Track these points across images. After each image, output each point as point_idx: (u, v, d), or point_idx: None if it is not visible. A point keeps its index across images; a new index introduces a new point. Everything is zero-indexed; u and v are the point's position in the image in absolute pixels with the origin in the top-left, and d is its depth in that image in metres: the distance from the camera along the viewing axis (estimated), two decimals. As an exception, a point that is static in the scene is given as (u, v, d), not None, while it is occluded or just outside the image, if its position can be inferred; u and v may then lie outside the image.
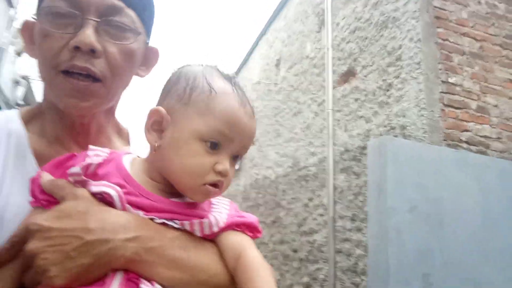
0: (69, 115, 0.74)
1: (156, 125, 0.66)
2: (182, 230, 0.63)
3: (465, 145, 3.61)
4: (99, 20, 0.70)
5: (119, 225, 0.58)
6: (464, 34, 3.98)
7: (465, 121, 3.71)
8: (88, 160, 0.64)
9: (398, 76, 3.96)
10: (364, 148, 4.11)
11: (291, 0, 7.11)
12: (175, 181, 0.65)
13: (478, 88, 3.87)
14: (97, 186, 0.61)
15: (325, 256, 4.54)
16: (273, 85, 7.20)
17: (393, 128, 3.90)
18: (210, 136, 0.64)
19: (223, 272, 0.63)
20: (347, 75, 4.89)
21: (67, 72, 0.68)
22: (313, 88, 5.62)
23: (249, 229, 0.67)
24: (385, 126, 4.03)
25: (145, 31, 0.79)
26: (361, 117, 4.44)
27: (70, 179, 0.63)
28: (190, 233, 0.63)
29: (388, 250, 2.73)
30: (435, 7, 3.92)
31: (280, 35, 7.36)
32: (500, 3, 4.27)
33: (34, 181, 0.65)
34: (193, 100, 0.65)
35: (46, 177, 0.64)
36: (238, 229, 0.66)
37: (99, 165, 0.65)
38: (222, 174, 0.64)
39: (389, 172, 2.86)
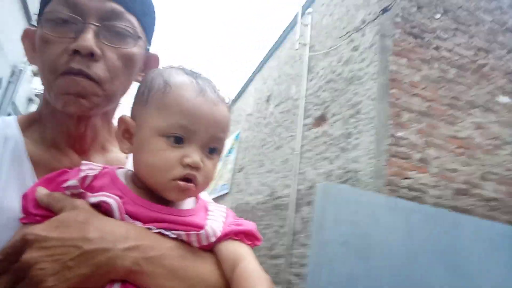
0: (66, 118, 0.75)
1: (127, 133, 0.67)
2: (179, 240, 0.62)
3: (405, 190, 4.24)
4: (99, 24, 0.70)
5: (119, 235, 0.57)
6: (415, 95, 4.65)
7: (408, 170, 4.35)
8: (82, 174, 0.64)
9: (356, 127, 4.64)
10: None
11: (284, 42, 7.88)
12: (146, 182, 0.65)
13: (422, 142, 4.53)
14: (96, 197, 0.60)
15: (287, 279, 5.14)
16: (263, 118, 7.91)
17: (348, 171, 4.55)
18: (170, 131, 0.63)
19: (221, 282, 0.62)
20: (320, 120, 5.58)
21: (64, 73, 0.69)
22: (293, 126, 6.30)
23: (247, 237, 0.66)
24: (343, 169, 4.68)
25: (146, 36, 0.79)
26: (326, 158, 5.11)
27: (67, 192, 0.62)
28: (188, 243, 0.62)
29: (322, 276, 3.35)
30: (391, 70, 4.61)
31: (273, 73, 8.11)
32: (451, 68, 4.96)
33: (27, 197, 0.63)
34: (151, 99, 0.65)
35: (42, 191, 0.63)
36: (236, 238, 0.65)
37: (95, 177, 0.64)
38: (191, 166, 0.63)
39: (328, 211, 3.50)
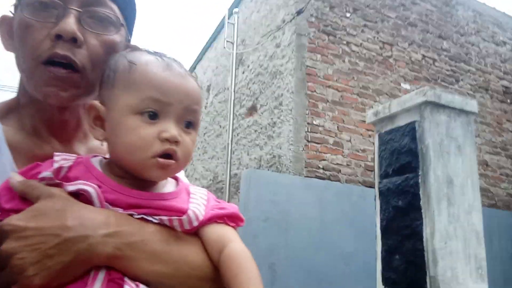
0: (47, 107, 0.72)
1: (98, 119, 0.65)
2: (162, 224, 0.61)
3: (322, 171, 4.95)
4: (81, 10, 0.69)
5: (99, 221, 0.55)
6: (329, 87, 5.35)
7: (324, 153, 5.06)
8: (56, 165, 0.62)
9: (279, 117, 5.27)
10: (257, 168, 5.39)
11: (220, 34, 8.33)
12: (125, 164, 0.63)
13: (336, 128, 5.25)
14: (74, 185, 0.59)
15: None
16: (204, 107, 8.40)
17: (274, 156, 5.20)
18: (143, 107, 0.61)
19: (206, 264, 0.62)
20: (252, 110, 6.17)
21: (47, 63, 0.66)
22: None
23: (230, 219, 0.66)
24: (270, 154, 5.33)
25: (127, 27, 0.78)
26: (257, 145, 5.73)
27: (43, 183, 0.60)
28: (170, 227, 0.61)
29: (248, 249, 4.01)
30: (307, 66, 5.25)
31: (211, 64, 8.56)
32: (360, 61, 5.68)
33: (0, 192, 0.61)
34: (117, 80, 0.64)
35: (18, 178, 0.61)
36: (220, 221, 0.64)
37: (69, 168, 0.62)
38: (169, 141, 0.61)
39: (252, 193, 4.13)
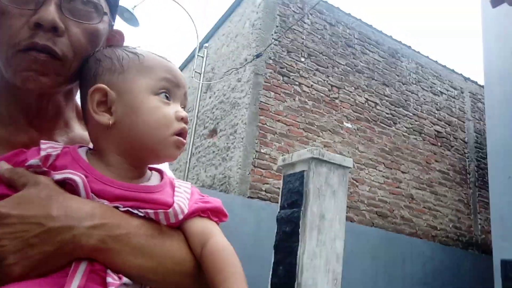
0: (25, 94, 0.69)
1: (102, 105, 0.64)
2: (147, 218, 0.60)
3: (264, 193, 5.77)
4: None
5: (84, 212, 0.55)
6: (278, 121, 6.20)
7: (267, 177, 5.89)
8: (43, 153, 0.61)
9: (233, 143, 6.09)
10: (210, 186, 6.16)
11: (194, 59, 9.14)
12: (145, 144, 0.63)
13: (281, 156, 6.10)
14: (61, 174, 0.58)
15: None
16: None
17: (225, 177, 6.00)
18: (160, 87, 0.65)
19: (190, 258, 0.62)
20: (213, 132, 6.97)
21: (26, 50, 0.63)
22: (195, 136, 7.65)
23: (214, 213, 0.66)
24: (223, 175, 6.12)
25: (110, 12, 0.74)
26: (213, 164, 6.52)
27: (30, 170, 0.59)
28: (155, 221, 0.61)
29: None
30: (261, 101, 6.10)
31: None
32: (309, 100, 6.57)
33: None
34: (127, 66, 0.65)
35: (4, 165, 0.60)
36: (203, 215, 0.65)
37: (57, 157, 0.62)
38: (184, 120, 0.65)
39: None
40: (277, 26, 6.55)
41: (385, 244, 6.19)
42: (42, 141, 0.64)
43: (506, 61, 4.78)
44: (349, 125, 6.84)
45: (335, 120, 6.75)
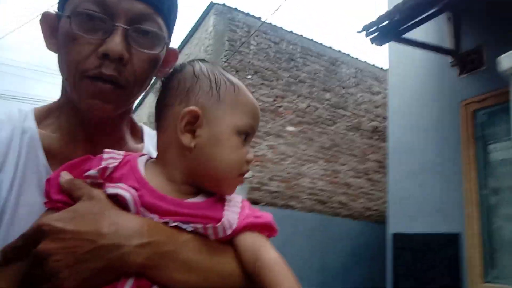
0: (88, 115, 0.74)
1: (189, 125, 0.66)
2: (196, 233, 0.62)
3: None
4: (128, 27, 0.70)
5: (133, 230, 0.57)
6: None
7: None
8: (104, 164, 0.64)
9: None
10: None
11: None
12: (214, 176, 0.66)
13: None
14: (113, 189, 0.61)
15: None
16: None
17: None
18: (245, 129, 0.68)
19: (238, 274, 0.63)
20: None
21: (93, 78, 0.69)
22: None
23: (265, 228, 0.67)
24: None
25: (169, 35, 0.79)
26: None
27: (88, 181, 0.63)
28: (204, 236, 0.63)
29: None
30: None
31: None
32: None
33: (51, 182, 0.64)
34: (223, 96, 0.67)
35: (66, 176, 0.64)
36: (254, 230, 0.66)
37: (115, 168, 0.65)
38: (250, 162, 0.69)
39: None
40: (226, 50, 7.84)
41: (320, 226, 7.65)
42: (105, 150, 0.68)
43: (406, 73, 5.91)
44: (291, 128, 8.21)
45: (279, 125, 8.12)
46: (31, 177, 0.70)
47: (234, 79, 0.72)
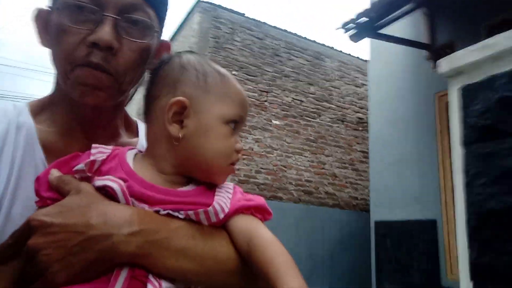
0: (81, 105, 0.74)
1: (176, 116, 0.66)
2: (188, 219, 0.62)
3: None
4: (118, 17, 0.70)
5: (122, 219, 0.57)
6: (216, 125, 7.71)
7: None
8: (91, 158, 0.64)
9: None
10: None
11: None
12: (203, 166, 0.67)
13: (219, 154, 7.67)
14: (101, 181, 0.61)
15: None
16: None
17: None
18: (232, 118, 0.68)
19: (233, 257, 0.63)
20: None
21: (82, 65, 0.69)
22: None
23: (258, 211, 0.67)
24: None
25: (160, 25, 0.79)
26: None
27: (76, 176, 0.64)
28: (196, 222, 0.63)
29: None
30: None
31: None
32: (242, 105, 8.07)
33: (40, 180, 0.65)
34: (210, 86, 0.68)
35: (55, 173, 0.64)
36: (246, 212, 0.66)
37: (103, 162, 0.65)
38: (240, 151, 0.70)
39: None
40: (210, 47, 7.96)
41: (307, 216, 7.89)
42: (93, 145, 0.68)
43: (385, 66, 6.11)
44: (277, 122, 8.39)
45: (265, 119, 8.29)
46: (28, 172, 0.70)
47: (222, 70, 0.73)
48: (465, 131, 1.91)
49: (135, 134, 0.90)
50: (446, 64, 1.92)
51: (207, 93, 0.68)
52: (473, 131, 1.75)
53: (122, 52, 0.71)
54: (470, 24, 4.37)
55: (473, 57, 1.77)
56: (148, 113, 0.71)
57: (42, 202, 0.63)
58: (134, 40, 0.72)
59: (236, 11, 8.40)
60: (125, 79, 0.74)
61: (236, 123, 0.70)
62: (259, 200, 0.69)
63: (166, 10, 0.81)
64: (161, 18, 0.79)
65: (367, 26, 4.46)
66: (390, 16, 4.49)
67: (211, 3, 8.16)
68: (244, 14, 8.37)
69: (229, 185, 0.72)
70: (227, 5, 8.35)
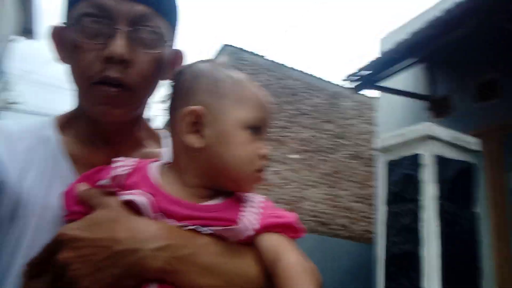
0: (100, 121, 0.75)
1: (194, 126, 0.65)
2: (215, 236, 0.61)
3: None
4: (130, 29, 0.70)
5: (149, 234, 0.57)
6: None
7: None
8: (113, 172, 0.64)
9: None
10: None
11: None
12: (227, 175, 0.65)
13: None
14: (127, 195, 0.61)
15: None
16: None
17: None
18: (252, 123, 0.66)
19: (259, 276, 0.62)
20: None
21: (99, 83, 0.70)
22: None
23: (288, 229, 0.65)
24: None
25: (172, 35, 0.80)
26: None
27: (102, 191, 0.64)
28: (224, 238, 0.62)
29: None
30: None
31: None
32: (263, 140, 8.73)
33: (67, 194, 0.66)
34: (225, 92, 0.67)
35: (82, 187, 0.65)
36: (275, 230, 0.64)
37: (127, 176, 0.65)
38: (265, 157, 0.67)
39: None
40: (235, 87, 8.72)
41: (321, 246, 8.30)
42: (113, 159, 0.68)
43: (391, 113, 6.53)
44: (295, 156, 9.00)
45: (283, 153, 8.91)
46: (58, 182, 0.71)
47: (236, 74, 0.71)
48: (386, 194, 3.00)
49: (159, 145, 0.90)
50: (379, 142, 2.93)
51: (221, 100, 0.67)
52: (390, 195, 2.94)
53: (136, 63, 0.72)
54: (464, 80, 4.88)
55: (394, 140, 2.98)
56: (170, 126, 0.72)
57: (70, 216, 0.65)
58: (147, 51, 0.73)
59: (257, 54, 9.22)
60: (141, 90, 0.75)
61: (257, 128, 0.68)
62: (290, 216, 0.67)
63: (177, 19, 0.82)
64: (172, 26, 0.80)
65: (368, 79, 5.00)
66: (391, 69, 5.06)
67: (235, 47, 9.02)
68: (263, 56, 9.17)
69: (259, 198, 0.70)
70: (249, 48, 9.20)
